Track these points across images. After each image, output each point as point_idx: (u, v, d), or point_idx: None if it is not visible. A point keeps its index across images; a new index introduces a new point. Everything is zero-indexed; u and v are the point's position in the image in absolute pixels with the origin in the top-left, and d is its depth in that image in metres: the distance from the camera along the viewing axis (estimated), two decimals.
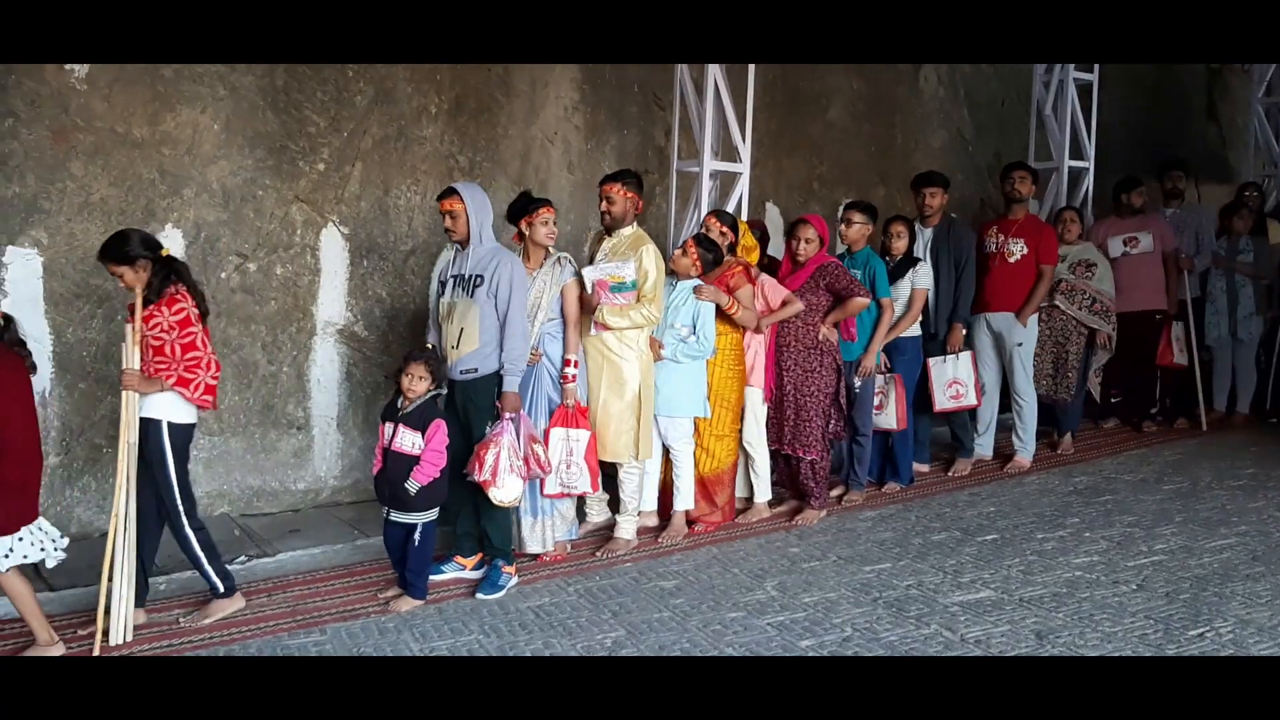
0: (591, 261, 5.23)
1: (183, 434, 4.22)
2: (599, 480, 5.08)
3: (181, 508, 4.22)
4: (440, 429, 4.42)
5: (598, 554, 5.18)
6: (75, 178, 5.02)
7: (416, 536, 4.46)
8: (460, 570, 4.87)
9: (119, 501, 4.08)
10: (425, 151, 5.99)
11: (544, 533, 5.05)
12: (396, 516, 4.47)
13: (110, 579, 4.06)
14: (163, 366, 4.10)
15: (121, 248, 4.10)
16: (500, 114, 6.25)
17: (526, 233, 4.93)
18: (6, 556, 3.79)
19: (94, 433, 5.22)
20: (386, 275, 5.93)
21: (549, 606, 4.53)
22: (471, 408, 4.68)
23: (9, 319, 3.94)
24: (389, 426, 4.46)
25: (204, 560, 4.30)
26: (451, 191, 4.68)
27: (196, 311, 4.17)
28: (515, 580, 4.76)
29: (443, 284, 4.79)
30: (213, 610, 4.35)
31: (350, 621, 4.35)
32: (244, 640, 4.16)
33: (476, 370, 4.63)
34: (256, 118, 5.43)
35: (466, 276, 4.64)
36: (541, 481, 4.95)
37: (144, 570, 4.30)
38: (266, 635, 4.21)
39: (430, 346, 4.65)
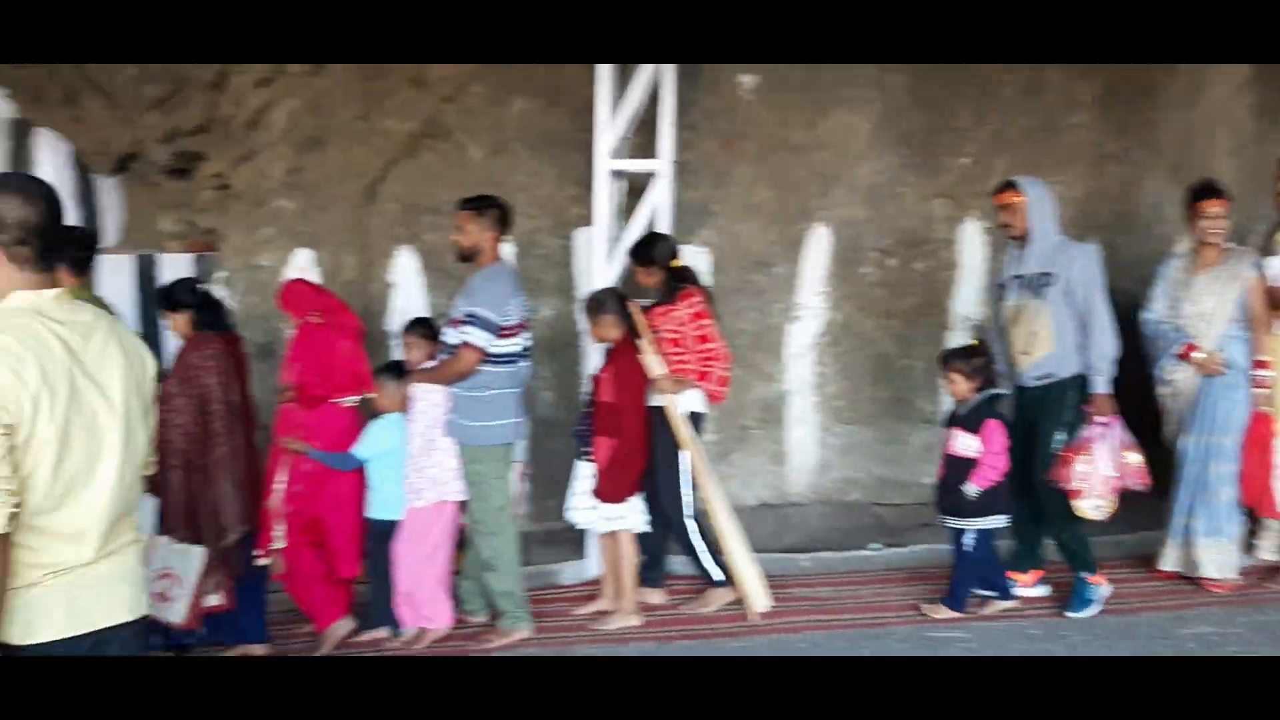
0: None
1: (698, 424, 4.41)
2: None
3: (685, 498, 4.39)
4: (997, 430, 4.22)
5: (1269, 584, 4.58)
6: (740, 182, 5.50)
7: (969, 542, 4.27)
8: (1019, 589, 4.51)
9: (705, 487, 4.37)
10: (1072, 140, 5.70)
11: (1218, 556, 4.55)
12: (951, 523, 4.32)
13: (729, 556, 4.37)
14: (679, 361, 4.29)
15: (650, 251, 4.44)
16: (1158, 96, 5.76)
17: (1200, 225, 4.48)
18: (612, 520, 4.29)
19: (744, 415, 5.69)
20: None
21: (1213, 636, 4.09)
22: (1043, 415, 4.29)
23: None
24: (949, 431, 4.34)
25: (702, 550, 4.42)
26: (1009, 185, 4.38)
27: (710, 308, 4.35)
28: (1109, 589, 4.37)
29: (1002, 286, 4.50)
30: (711, 599, 4.47)
31: (994, 622, 4.27)
32: (887, 626, 4.26)
33: (1051, 375, 4.27)
34: (904, 116, 5.55)
35: (1030, 275, 4.31)
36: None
37: (658, 558, 4.61)
38: (909, 625, 4.28)
39: (976, 343, 4.42)
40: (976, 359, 4.30)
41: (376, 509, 4.26)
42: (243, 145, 5.64)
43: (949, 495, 4.30)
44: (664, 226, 4.93)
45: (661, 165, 4.93)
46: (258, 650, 4.12)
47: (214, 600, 3.95)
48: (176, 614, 3.89)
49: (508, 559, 4.17)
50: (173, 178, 5.99)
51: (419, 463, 4.14)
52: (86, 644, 2.03)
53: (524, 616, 4.23)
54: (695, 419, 4.44)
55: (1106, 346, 4.20)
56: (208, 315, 4.04)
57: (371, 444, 4.22)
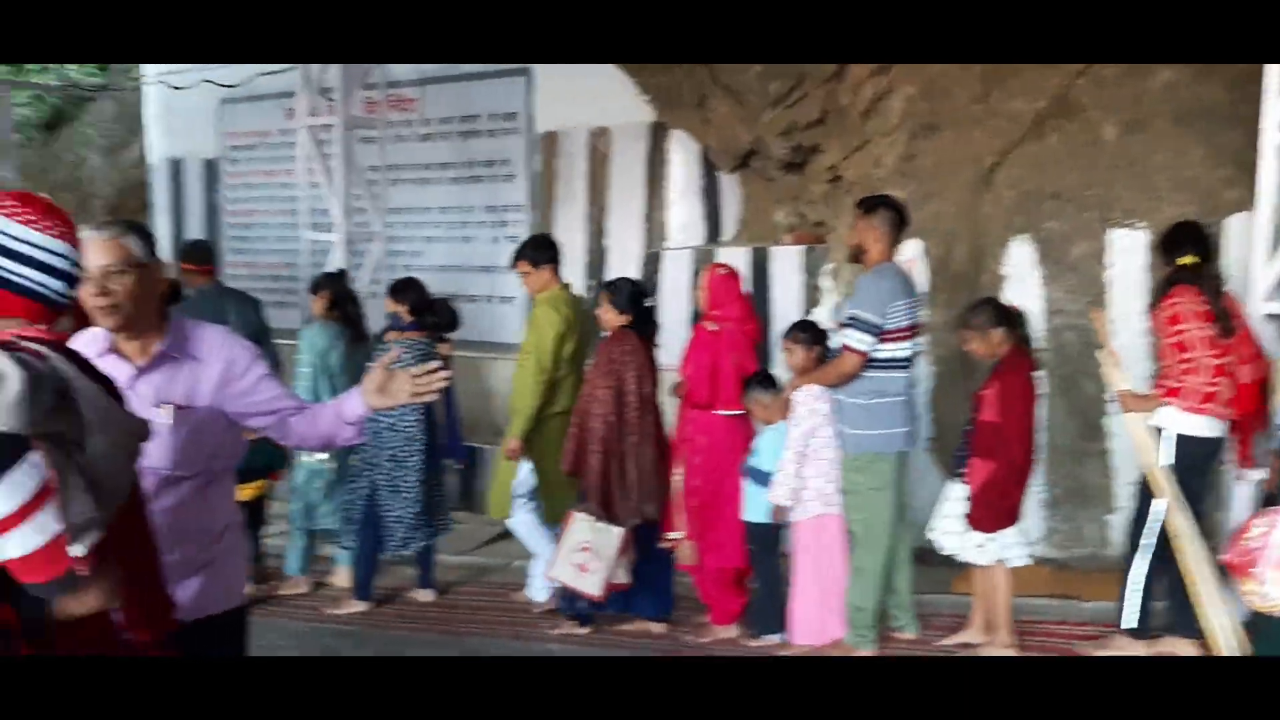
0: None
1: (1189, 446, 3.84)
2: None
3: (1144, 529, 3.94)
4: None
5: None
6: None
7: None
8: None
9: (1172, 524, 3.86)
10: None
11: None
12: None
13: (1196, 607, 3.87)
14: (1164, 374, 3.92)
15: (1166, 242, 4.08)
16: None
17: None
18: (980, 547, 4.04)
19: None
20: None
21: None
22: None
23: (1020, 314, 4.08)
24: None
25: (1134, 590, 4.00)
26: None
27: (1199, 310, 3.78)
28: None
29: None
30: (1108, 644, 4.11)
31: None
32: None
33: None
34: None
35: None
36: None
37: None
38: None
39: None
40: None
41: (754, 512, 4.32)
42: (857, 135, 5.62)
43: None
44: None
45: None
46: (655, 628, 4.51)
47: (621, 578, 4.35)
48: (594, 586, 4.30)
49: (870, 574, 4.10)
50: (788, 172, 6.17)
51: (799, 472, 4.18)
52: None
53: (869, 637, 4.13)
54: (1188, 444, 3.85)
55: None
56: (637, 316, 4.41)
57: (769, 456, 4.27)
